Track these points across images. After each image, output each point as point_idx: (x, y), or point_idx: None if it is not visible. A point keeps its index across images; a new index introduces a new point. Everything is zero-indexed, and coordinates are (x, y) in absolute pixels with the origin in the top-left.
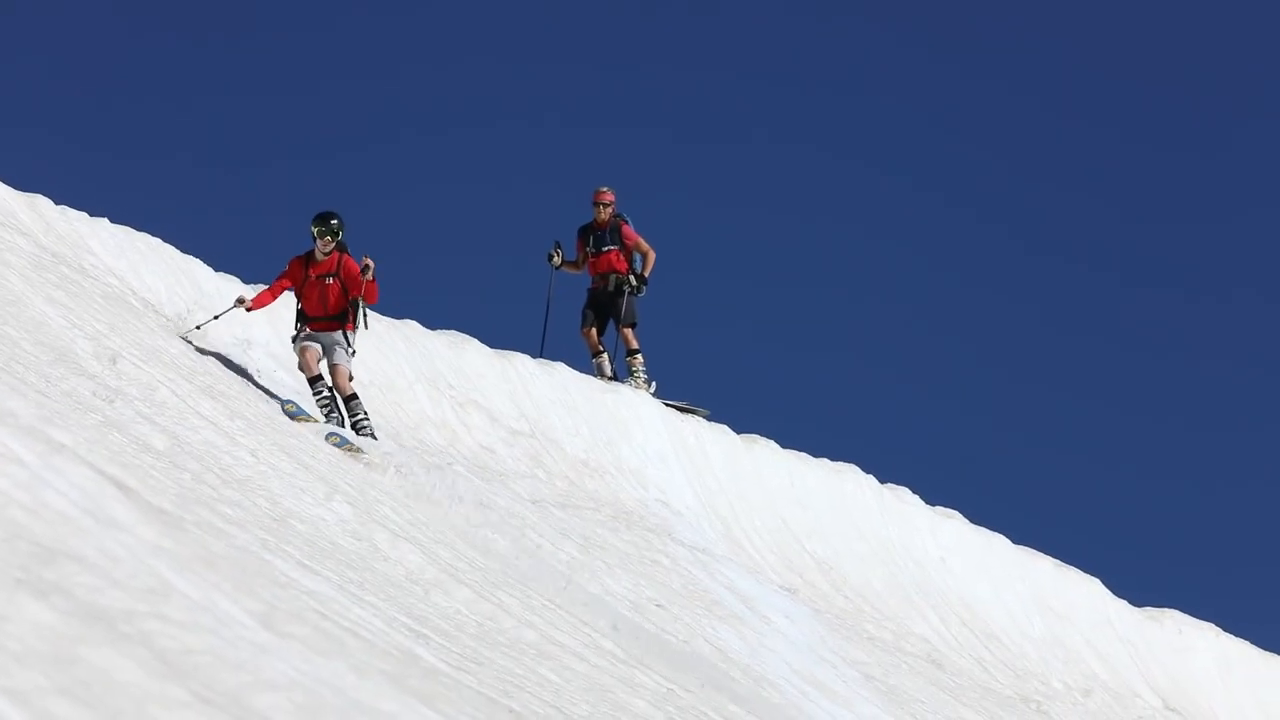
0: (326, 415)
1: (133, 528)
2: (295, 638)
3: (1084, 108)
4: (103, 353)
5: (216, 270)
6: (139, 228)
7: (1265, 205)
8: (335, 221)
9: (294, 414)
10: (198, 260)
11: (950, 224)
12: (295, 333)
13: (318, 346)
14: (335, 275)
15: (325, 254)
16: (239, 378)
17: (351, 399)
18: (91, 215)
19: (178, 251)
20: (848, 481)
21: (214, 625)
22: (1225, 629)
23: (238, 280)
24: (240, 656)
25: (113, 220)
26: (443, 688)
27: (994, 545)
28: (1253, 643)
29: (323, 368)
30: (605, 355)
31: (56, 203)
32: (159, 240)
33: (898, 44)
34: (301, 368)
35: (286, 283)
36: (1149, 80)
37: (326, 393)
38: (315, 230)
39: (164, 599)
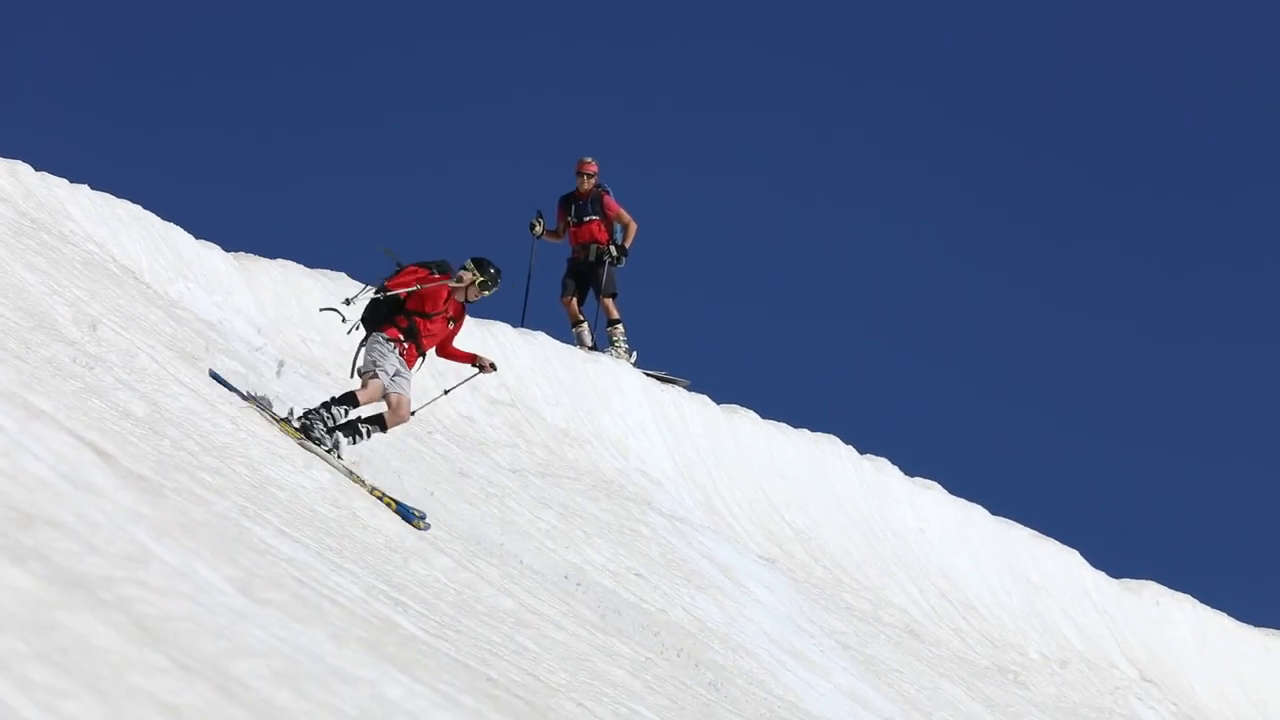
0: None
1: (112, 494)
2: (274, 604)
3: (1077, 79)
4: (82, 319)
5: (197, 238)
6: (119, 195)
7: (1241, 180)
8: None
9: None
10: (178, 227)
11: (931, 194)
12: (395, 363)
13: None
14: (456, 322)
15: (471, 301)
16: (220, 343)
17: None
18: (72, 182)
19: (158, 219)
20: (827, 452)
21: (193, 592)
22: (1202, 601)
23: (218, 248)
24: (219, 623)
25: (93, 187)
26: (421, 655)
27: (972, 516)
28: (1230, 615)
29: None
30: (586, 325)
31: (36, 169)
32: (139, 207)
33: (880, 12)
34: (396, 411)
35: (425, 291)
36: (1154, 51)
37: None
38: (486, 279)
39: (143, 565)
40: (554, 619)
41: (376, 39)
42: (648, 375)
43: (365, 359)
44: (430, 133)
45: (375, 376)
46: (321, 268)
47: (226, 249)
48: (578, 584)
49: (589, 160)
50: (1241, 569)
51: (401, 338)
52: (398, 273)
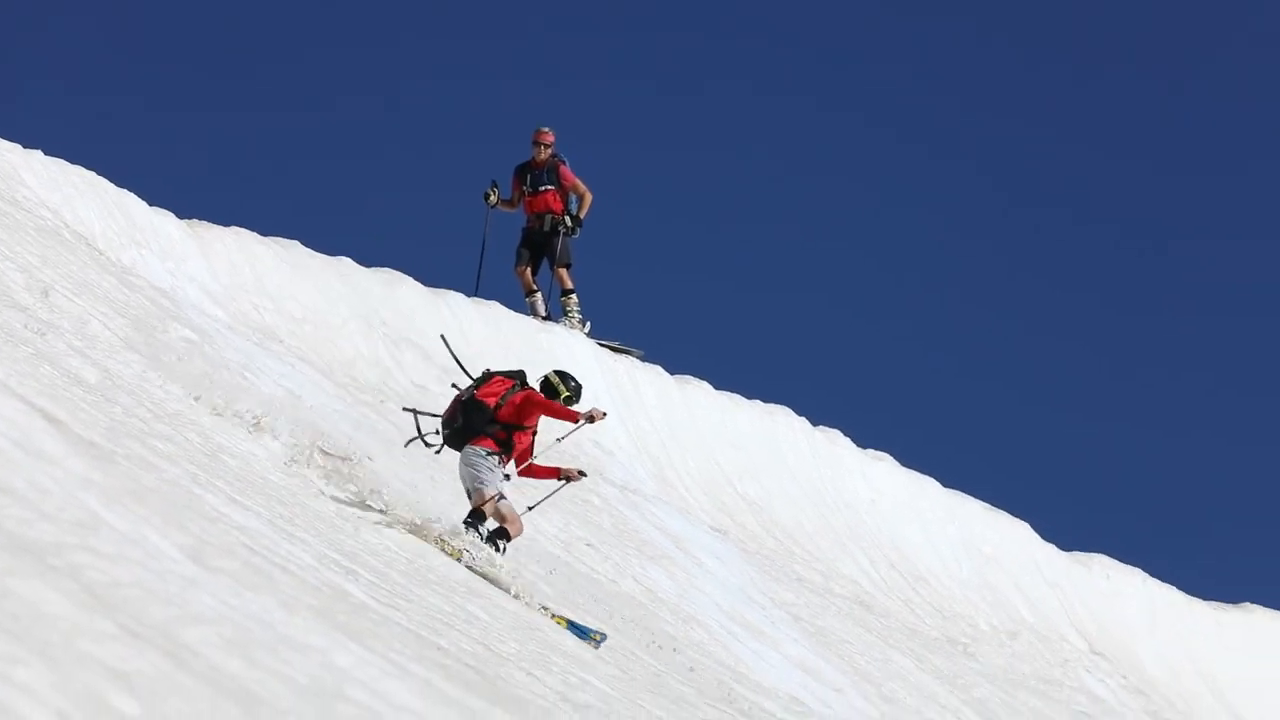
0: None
1: (62, 460)
2: (224, 572)
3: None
4: (35, 285)
5: (151, 205)
6: (73, 161)
7: (1204, 153)
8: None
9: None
10: (131, 194)
11: (881, 159)
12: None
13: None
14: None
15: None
16: (173, 310)
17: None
18: (25, 148)
19: (111, 185)
20: (780, 423)
21: (143, 559)
22: (1152, 574)
23: (171, 215)
24: (169, 590)
25: (46, 153)
26: (371, 624)
27: (924, 488)
28: (1179, 588)
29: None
30: (539, 295)
31: None
32: (93, 174)
33: None
34: (514, 524)
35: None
36: (1156, 21)
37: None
38: (571, 395)
39: (93, 532)
40: (505, 589)
41: (331, 14)
42: (601, 345)
43: (470, 474)
44: (389, 99)
45: (486, 491)
46: (275, 235)
47: (180, 216)
48: (530, 555)
49: (546, 130)
50: (1192, 543)
51: (499, 450)
52: (486, 382)
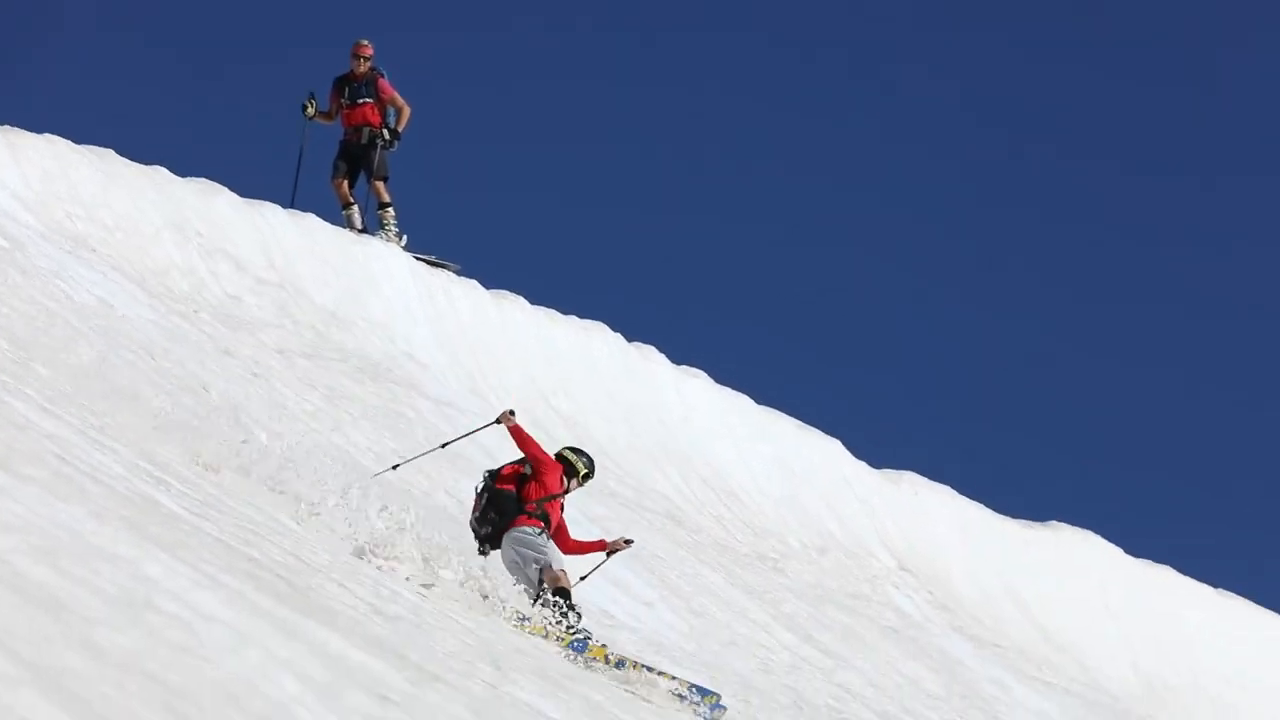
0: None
1: None
2: (34, 480)
3: None
4: None
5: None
6: None
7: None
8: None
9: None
10: None
11: (682, 64)
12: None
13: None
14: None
15: (569, 491)
16: None
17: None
18: None
19: None
20: (595, 339)
21: None
22: (962, 492)
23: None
24: None
25: None
26: (183, 535)
27: (737, 405)
28: (988, 506)
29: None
30: (356, 208)
31: None
32: None
33: None
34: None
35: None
36: None
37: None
38: (589, 472)
39: None
40: (317, 500)
41: None
42: (417, 259)
43: (527, 555)
44: (201, 13)
45: (549, 566)
46: (89, 144)
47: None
48: (346, 467)
49: (365, 43)
50: (1001, 462)
51: (542, 526)
52: (497, 476)
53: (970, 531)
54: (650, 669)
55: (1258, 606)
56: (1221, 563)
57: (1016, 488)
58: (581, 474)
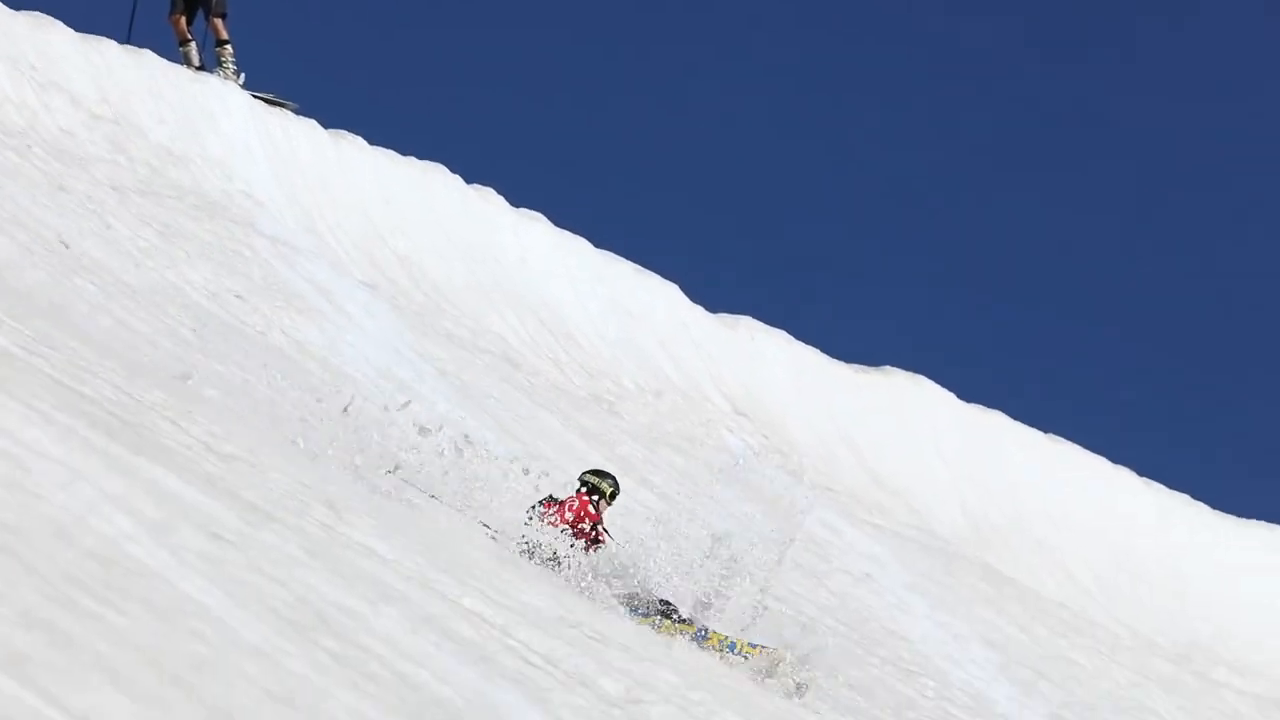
0: None
1: None
2: None
3: None
4: None
5: None
6: None
7: None
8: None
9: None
10: None
11: None
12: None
13: None
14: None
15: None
16: None
17: None
18: None
19: None
20: (433, 180)
21: None
22: (797, 337)
23: None
24: None
25: None
26: (14, 371)
27: (575, 248)
28: (822, 351)
29: None
30: (194, 44)
31: None
32: None
33: None
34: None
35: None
36: None
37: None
38: (616, 490)
39: None
40: (150, 337)
41: None
42: (255, 97)
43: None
44: None
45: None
46: None
47: None
48: (181, 308)
49: None
50: (836, 306)
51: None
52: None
53: (804, 376)
54: (764, 647)
55: (1085, 450)
56: (1051, 407)
57: (851, 333)
58: (609, 494)
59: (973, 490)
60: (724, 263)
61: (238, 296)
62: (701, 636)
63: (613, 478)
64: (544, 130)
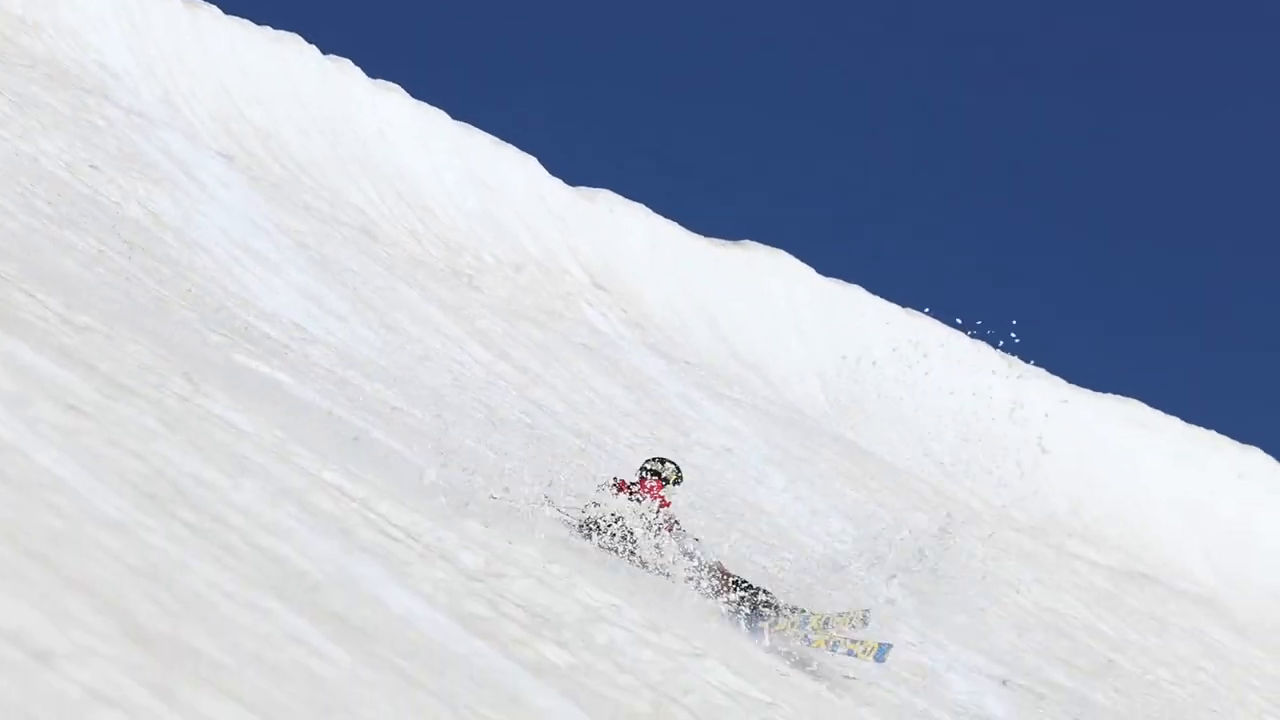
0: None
1: None
2: None
3: None
4: None
5: None
6: None
7: None
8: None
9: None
10: None
11: None
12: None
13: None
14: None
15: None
16: None
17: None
18: None
19: None
20: (290, 51)
21: None
22: (656, 210)
23: None
24: None
25: None
26: None
27: (433, 120)
28: (682, 224)
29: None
30: None
31: None
32: None
33: None
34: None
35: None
36: None
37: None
38: (681, 478)
39: None
40: (5, 208)
41: None
42: None
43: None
44: None
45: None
46: None
47: None
48: (31, 177)
49: None
50: (695, 181)
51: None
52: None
53: (663, 249)
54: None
55: (944, 324)
56: (910, 281)
57: (711, 206)
58: (673, 480)
59: (831, 364)
60: (583, 135)
61: (93, 167)
62: (808, 632)
63: (674, 464)
64: (399, 1)
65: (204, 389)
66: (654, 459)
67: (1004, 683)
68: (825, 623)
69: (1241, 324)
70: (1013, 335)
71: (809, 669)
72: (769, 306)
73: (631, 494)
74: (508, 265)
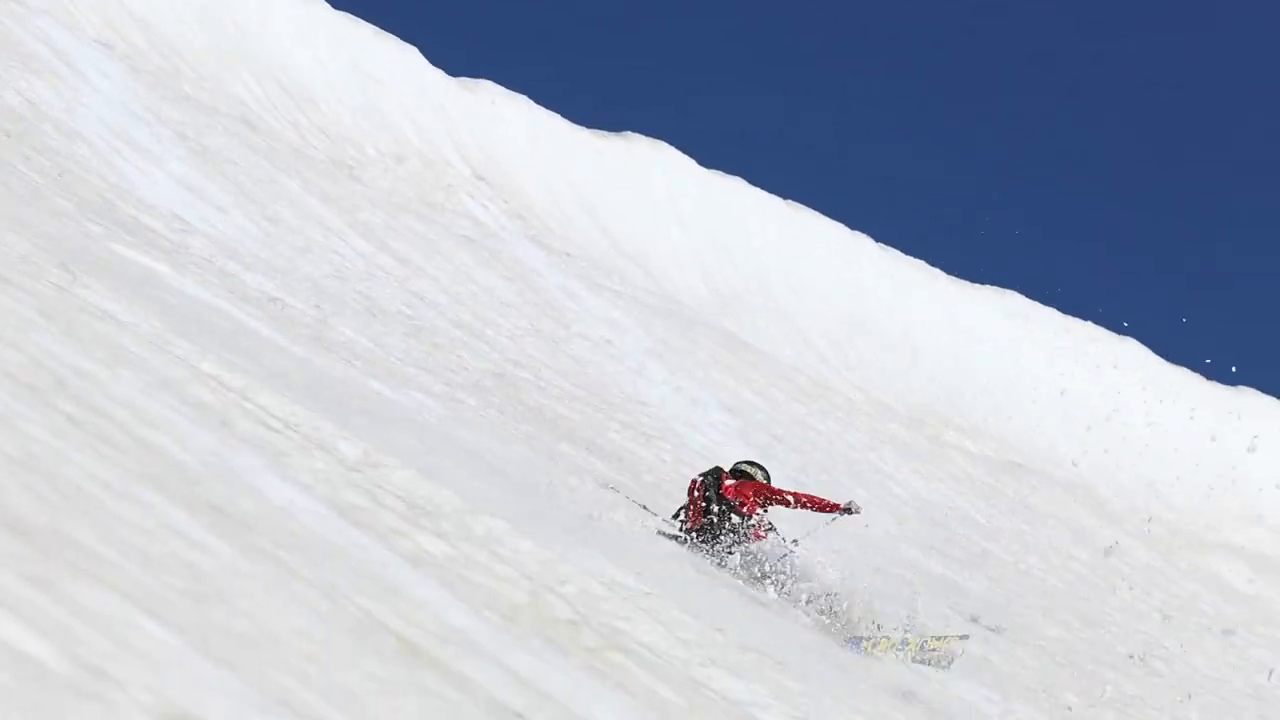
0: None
1: None
2: None
3: None
4: None
5: None
6: None
7: None
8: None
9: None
10: None
11: None
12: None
13: None
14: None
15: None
16: None
17: None
18: None
19: None
20: None
21: None
22: (538, 102)
23: None
24: None
25: None
26: None
27: (314, 10)
28: (564, 115)
29: None
30: None
31: None
32: None
33: None
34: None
35: None
36: None
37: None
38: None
39: None
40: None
41: None
42: None
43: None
44: None
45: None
46: None
47: None
48: None
49: None
50: (577, 71)
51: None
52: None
53: (544, 141)
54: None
55: (824, 216)
56: (790, 174)
57: (593, 97)
58: (757, 478)
59: (712, 256)
60: (465, 24)
61: None
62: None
63: (763, 468)
64: None
65: (82, 279)
66: (746, 462)
67: (877, 570)
68: (922, 646)
69: (1117, 216)
70: (891, 227)
71: (682, 560)
72: (650, 198)
73: (722, 504)
74: (389, 157)
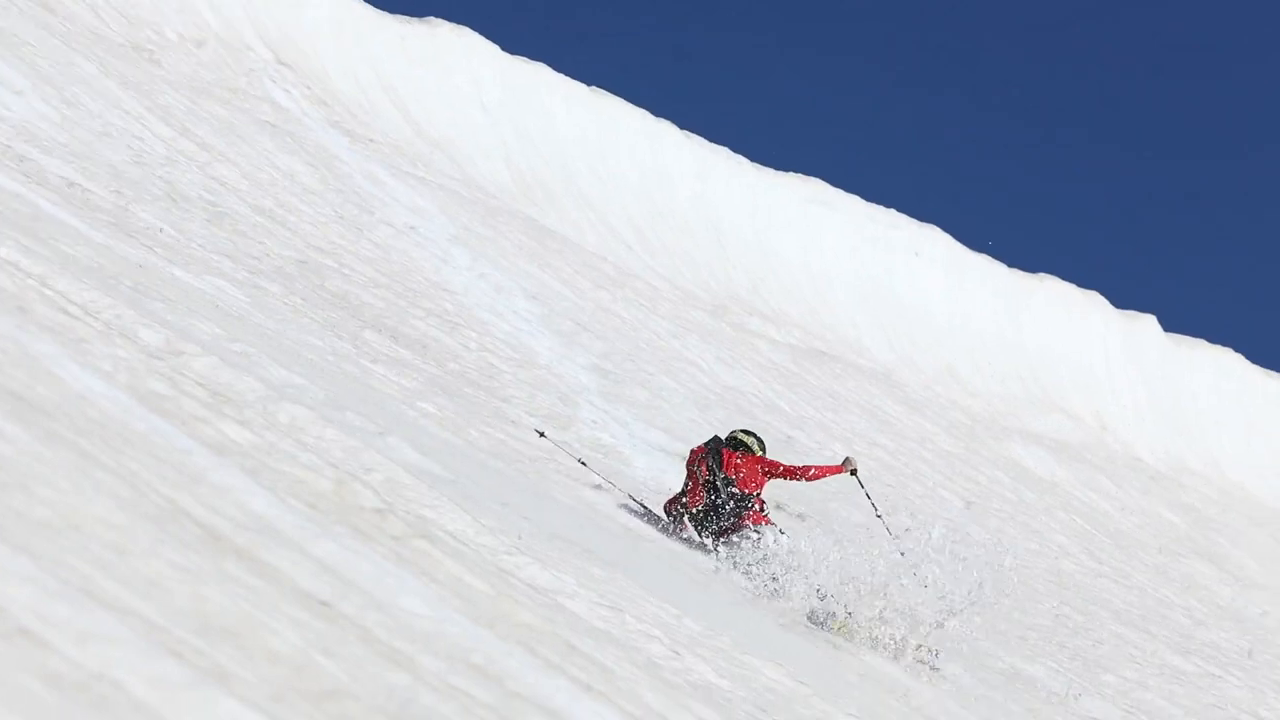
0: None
1: None
2: None
3: None
4: None
5: None
6: None
7: None
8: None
9: None
10: None
11: None
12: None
13: None
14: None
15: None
16: None
17: None
18: None
19: None
20: None
21: None
22: None
23: None
24: None
25: None
26: None
27: None
28: (367, 1)
29: None
30: None
31: None
32: None
33: None
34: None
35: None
36: None
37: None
38: (761, 449)
39: None
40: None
41: None
42: None
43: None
44: None
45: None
46: None
47: None
48: None
49: None
50: None
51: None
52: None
53: (347, 26)
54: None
55: (628, 104)
56: (594, 60)
57: None
58: (757, 452)
59: (516, 143)
60: None
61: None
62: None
63: (759, 437)
64: None
65: None
66: (742, 430)
67: (679, 457)
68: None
69: (922, 104)
70: (696, 114)
71: (493, 450)
72: (454, 84)
73: (712, 475)
74: (189, 41)
